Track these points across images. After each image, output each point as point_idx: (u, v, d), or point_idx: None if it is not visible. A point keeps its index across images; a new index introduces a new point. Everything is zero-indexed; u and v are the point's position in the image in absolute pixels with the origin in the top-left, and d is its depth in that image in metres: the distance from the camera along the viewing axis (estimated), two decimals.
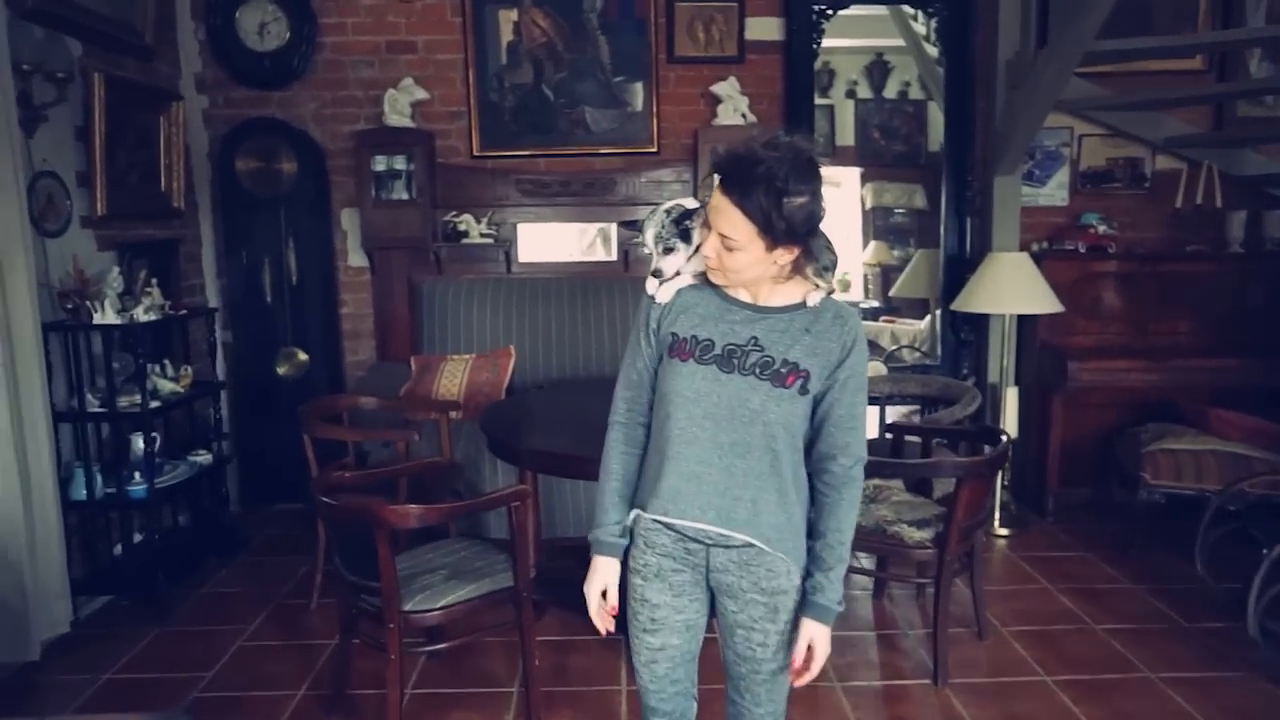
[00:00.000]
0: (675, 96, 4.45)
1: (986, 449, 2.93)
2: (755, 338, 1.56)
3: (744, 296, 1.60)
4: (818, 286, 1.60)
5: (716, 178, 1.49)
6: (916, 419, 4.35)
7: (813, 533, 1.61)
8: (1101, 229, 4.32)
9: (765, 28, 4.41)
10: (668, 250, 1.61)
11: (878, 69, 7.35)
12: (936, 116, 7.12)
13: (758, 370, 1.54)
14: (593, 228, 4.53)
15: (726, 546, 1.58)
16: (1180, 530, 3.69)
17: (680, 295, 1.64)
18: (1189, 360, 4.01)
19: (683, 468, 1.56)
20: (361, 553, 2.26)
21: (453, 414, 3.92)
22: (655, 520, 1.61)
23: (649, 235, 1.62)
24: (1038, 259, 4.12)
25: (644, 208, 1.71)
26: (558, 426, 2.97)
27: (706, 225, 1.54)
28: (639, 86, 4.42)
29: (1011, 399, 4.19)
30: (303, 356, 4.41)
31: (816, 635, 1.56)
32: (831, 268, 1.62)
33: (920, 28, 5.39)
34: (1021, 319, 4.25)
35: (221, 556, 3.75)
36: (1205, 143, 4.32)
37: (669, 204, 1.65)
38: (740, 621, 1.62)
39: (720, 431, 1.54)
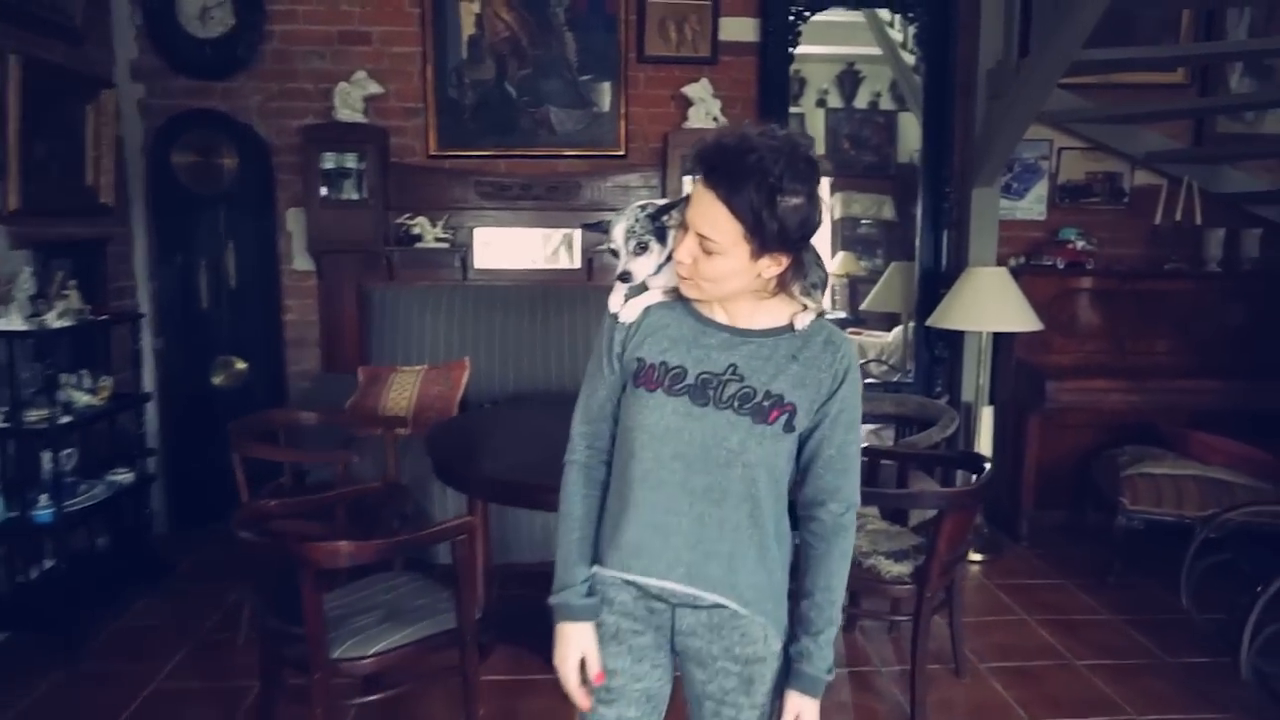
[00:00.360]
0: (645, 98, 4.25)
1: (972, 477, 2.75)
2: (734, 365, 1.36)
3: (721, 317, 1.40)
4: (805, 307, 1.40)
5: (698, 171, 1.29)
6: (887, 435, 4.18)
7: (798, 590, 1.40)
8: (1080, 244, 4.20)
9: (740, 28, 4.23)
10: (641, 248, 1.39)
11: (848, 78, 7.23)
12: (907, 127, 7.05)
13: (737, 404, 1.33)
14: (556, 234, 4.31)
15: (695, 607, 1.37)
16: (1160, 557, 3.56)
17: (649, 314, 1.43)
18: (1170, 381, 3.89)
19: (647, 516, 1.35)
20: (286, 590, 2.02)
21: (400, 430, 3.68)
22: (614, 576, 1.39)
23: (619, 231, 1.40)
24: (1015, 274, 3.98)
25: (610, 214, 1.46)
26: (513, 449, 2.75)
27: (684, 227, 1.33)
28: (607, 86, 4.21)
29: (986, 418, 4.04)
30: (241, 365, 4.13)
31: (804, 710, 1.36)
32: (822, 285, 1.42)
33: (897, 34, 5.24)
34: (998, 336, 4.11)
35: (144, 584, 3.44)
36: (1186, 158, 4.22)
37: (639, 203, 1.45)
38: (710, 693, 1.40)
39: (692, 474, 1.34)
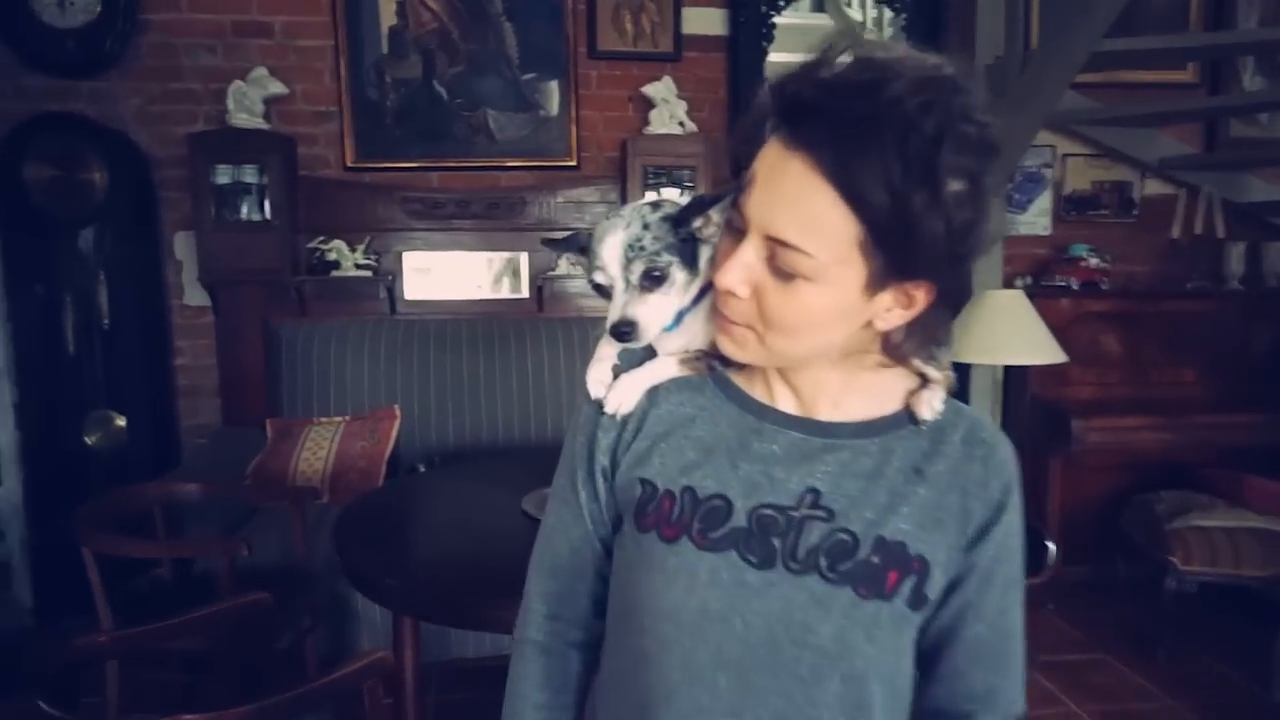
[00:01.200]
0: (598, 99, 3.67)
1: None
2: (816, 492, 0.79)
3: (787, 401, 0.84)
4: (925, 379, 0.83)
5: (776, 122, 0.74)
6: None
7: None
8: (1094, 262, 3.73)
9: (706, 20, 3.69)
10: (654, 279, 0.81)
11: None
12: None
13: (826, 562, 0.77)
14: (498, 257, 3.68)
15: None
16: (1216, 625, 3.09)
17: (657, 400, 0.86)
18: (1205, 416, 3.43)
19: None
20: None
21: (316, 499, 3.02)
22: None
23: (611, 247, 0.81)
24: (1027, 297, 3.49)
25: (561, 233, 0.74)
26: (449, 536, 2.11)
27: (732, 232, 0.77)
28: (554, 86, 3.62)
29: None
30: (120, 422, 3.41)
31: None
32: (949, 341, 0.85)
33: (874, 36, 4.78)
34: (1009, 368, 3.60)
35: None
36: (1206, 165, 3.79)
37: (649, 198, 0.86)
38: None
39: (750, 695, 0.75)
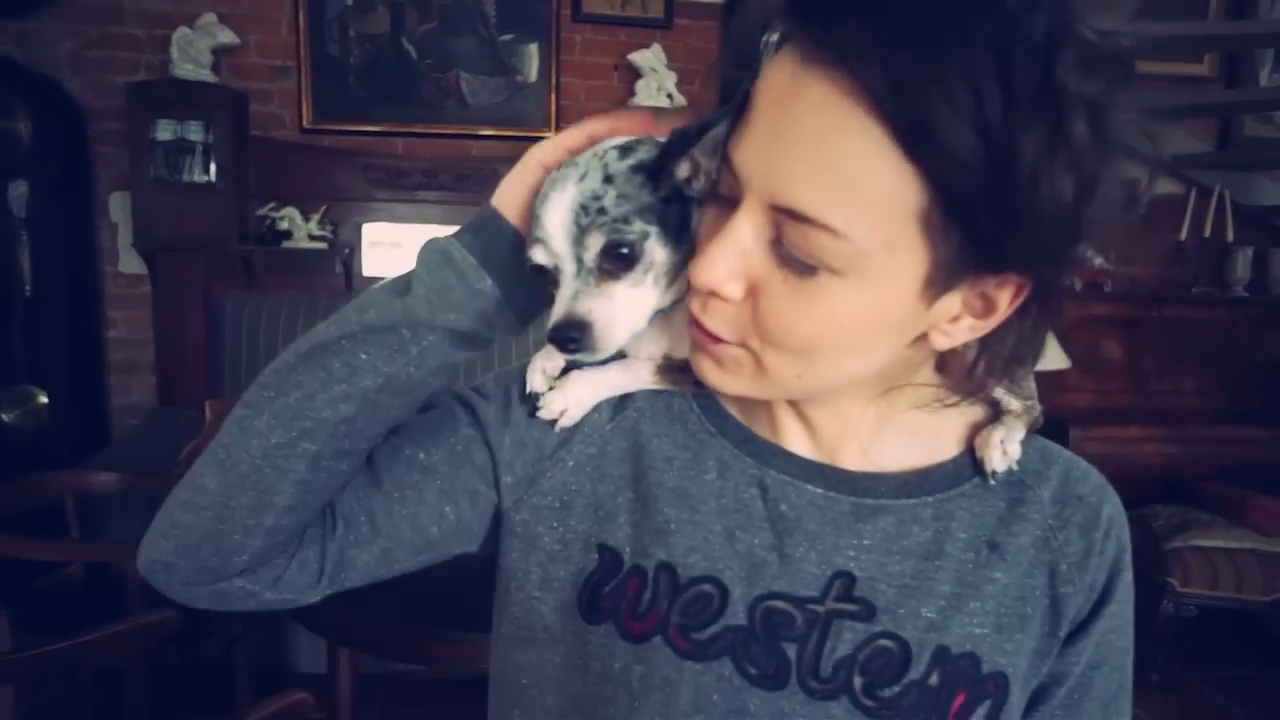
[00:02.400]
0: (581, 66, 3.40)
1: None
2: (847, 575, 0.57)
3: (800, 442, 0.61)
4: (1002, 412, 0.62)
5: (782, 19, 0.50)
6: None
7: None
8: (1098, 262, 3.54)
9: None
10: (617, 258, 0.55)
11: None
12: None
13: (862, 682, 0.56)
14: None
15: None
16: (1213, 649, 2.94)
17: (628, 422, 0.64)
18: (1211, 429, 3.27)
19: None
20: None
21: None
22: None
23: (558, 213, 0.55)
24: None
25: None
26: None
27: (721, 197, 0.53)
28: (533, 49, 3.34)
29: None
30: (42, 399, 3.10)
31: None
32: (1032, 360, 0.59)
33: None
34: None
35: None
36: (1223, 164, 3.61)
37: (619, 140, 0.58)
38: None
39: None
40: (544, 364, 0.63)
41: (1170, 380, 3.52)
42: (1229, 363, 3.55)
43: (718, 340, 0.54)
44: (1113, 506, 0.63)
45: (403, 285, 0.58)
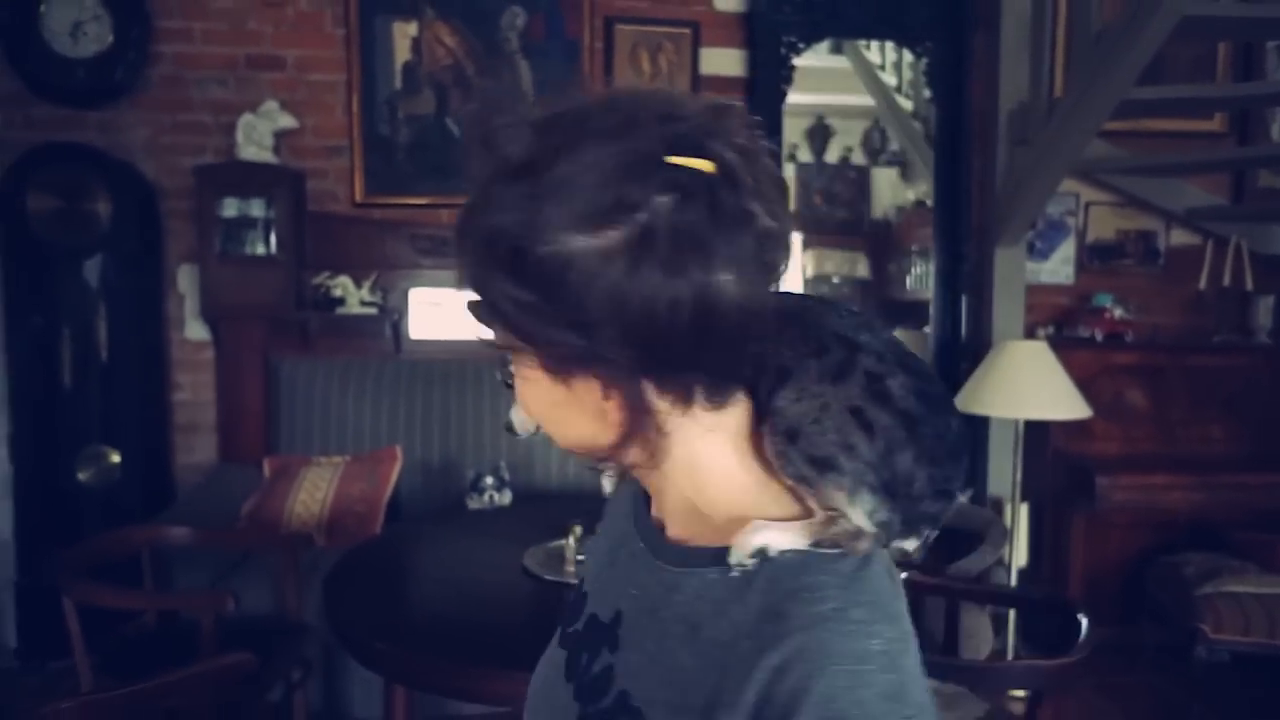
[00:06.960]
0: None
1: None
2: (619, 616, 0.68)
3: (662, 516, 0.70)
4: (810, 508, 0.62)
5: None
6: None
7: None
8: (1118, 313, 3.63)
9: (724, 60, 3.64)
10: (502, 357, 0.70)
11: (819, 132, 6.83)
12: (880, 183, 6.70)
13: (585, 698, 0.67)
14: None
15: None
16: (1248, 697, 2.93)
17: (620, 488, 0.78)
18: (1238, 475, 3.31)
19: None
20: None
21: (312, 543, 2.91)
22: None
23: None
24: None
25: None
26: (444, 596, 2.01)
27: None
28: None
29: (1023, 520, 3.40)
30: (115, 458, 3.32)
31: None
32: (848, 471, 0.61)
33: (890, 78, 4.73)
34: (1030, 421, 3.49)
35: None
36: (1234, 216, 3.70)
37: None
38: None
39: None
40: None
41: (1196, 428, 3.57)
42: (1254, 409, 3.59)
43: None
44: (819, 659, 0.54)
45: None
